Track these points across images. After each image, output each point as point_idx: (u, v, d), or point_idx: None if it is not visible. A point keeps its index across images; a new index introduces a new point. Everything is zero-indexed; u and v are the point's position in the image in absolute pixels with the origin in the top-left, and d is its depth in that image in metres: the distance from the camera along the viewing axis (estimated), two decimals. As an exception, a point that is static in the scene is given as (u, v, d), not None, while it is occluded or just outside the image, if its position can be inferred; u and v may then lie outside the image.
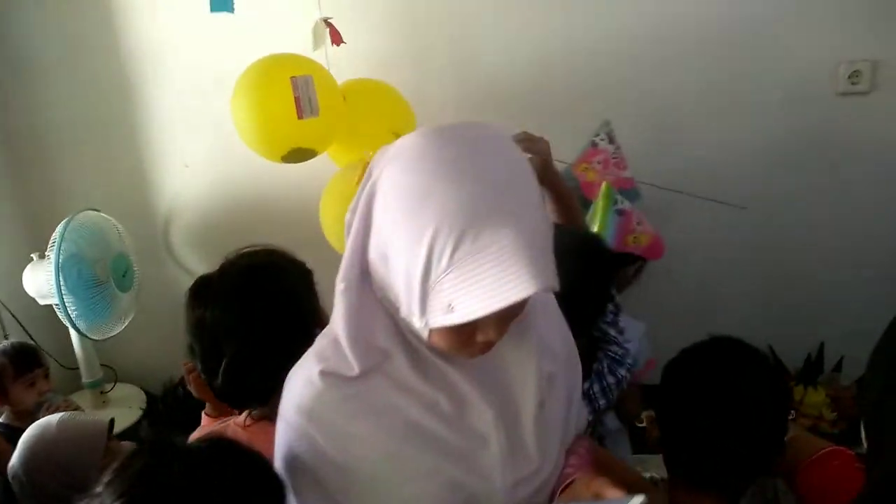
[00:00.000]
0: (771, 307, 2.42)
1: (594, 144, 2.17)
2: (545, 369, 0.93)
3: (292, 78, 1.92)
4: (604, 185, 2.07)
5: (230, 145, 2.59)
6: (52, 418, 1.94)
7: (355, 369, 0.85)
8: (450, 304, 0.74)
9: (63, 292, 2.37)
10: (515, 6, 2.34)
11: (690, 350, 1.16)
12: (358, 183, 0.88)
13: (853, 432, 1.03)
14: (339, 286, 0.84)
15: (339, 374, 0.86)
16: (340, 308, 0.85)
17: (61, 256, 2.35)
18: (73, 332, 2.59)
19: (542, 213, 0.80)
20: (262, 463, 0.96)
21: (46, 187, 2.80)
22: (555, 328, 1.02)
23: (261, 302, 1.23)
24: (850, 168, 2.30)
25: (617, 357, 1.53)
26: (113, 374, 2.82)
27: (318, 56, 2.14)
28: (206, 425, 1.46)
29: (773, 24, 2.23)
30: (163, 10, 2.48)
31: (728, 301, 2.47)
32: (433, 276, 0.75)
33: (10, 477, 1.84)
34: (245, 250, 1.32)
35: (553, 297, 1.01)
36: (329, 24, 2.15)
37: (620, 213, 2.17)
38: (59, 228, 2.37)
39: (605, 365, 1.53)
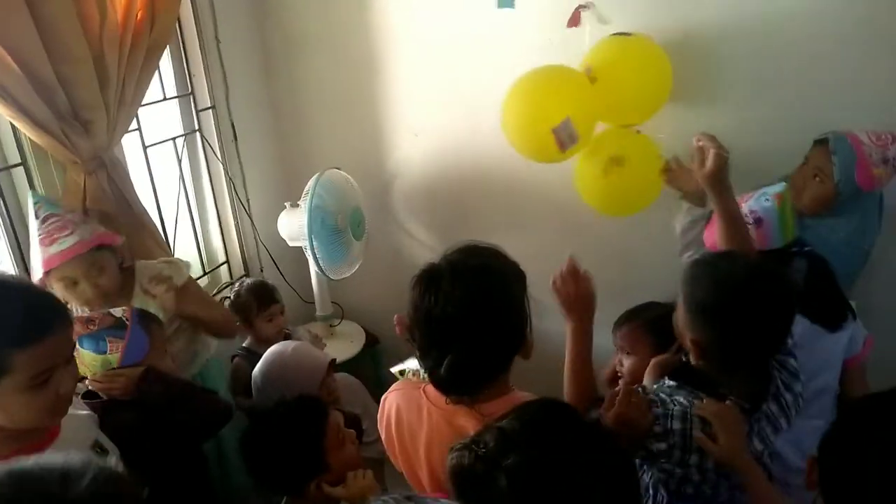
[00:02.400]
0: None
1: None
2: None
3: (553, 129, 2.11)
4: (783, 192, 1.92)
5: (455, 117, 2.83)
6: (290, 344, 2.31)
7: None
8: None
9: (311, 236, 2.72)
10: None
11: None
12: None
13: None
14: None
15: None
16: None
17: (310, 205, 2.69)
18: (312, 271, 2.99)
19: None
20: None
21: (299, 146, 3.18)
22: None
23: (490, 307, 1.28)
24: None
25: (792, 370, 1.49)
26: (341, 310, 3.24)
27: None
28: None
29: None
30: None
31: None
32: None
33: (252, 382, 2.24)
34: (467, 246, 1.36)
35: None
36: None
37: None
38: (311, 182, 2.69)
39: (781, 382, 1.48)
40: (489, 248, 1.36)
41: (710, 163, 1.61)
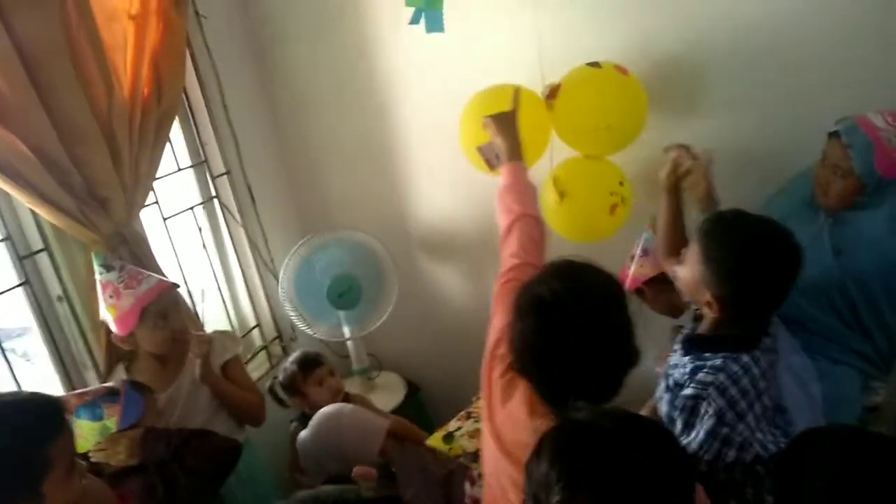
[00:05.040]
0: None
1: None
2: None
3: (478, 147, 2.10)
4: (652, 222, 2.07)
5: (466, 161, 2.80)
6: (345, 407, 2.18)
7: None
8: None
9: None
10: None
11: None
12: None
13: None
14: None
15: None
16: None
17: (319, 266, 2.78)
18: (344, 326, 2.97)
19: None
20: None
21: (318, 204, 3.16)
22: None
23: (614, 327, 1.24)
24: None
25: None
26: (378, 362, 3.18)
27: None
28: None
29: None
30: (406, 39, 2.69)
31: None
32: None
33: (299, 448, 2.14)
34: (568, 266, 1.31)
35: None
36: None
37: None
38: (293, 248, 2.76)
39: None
40: (587, 263, 1.31)
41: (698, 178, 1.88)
